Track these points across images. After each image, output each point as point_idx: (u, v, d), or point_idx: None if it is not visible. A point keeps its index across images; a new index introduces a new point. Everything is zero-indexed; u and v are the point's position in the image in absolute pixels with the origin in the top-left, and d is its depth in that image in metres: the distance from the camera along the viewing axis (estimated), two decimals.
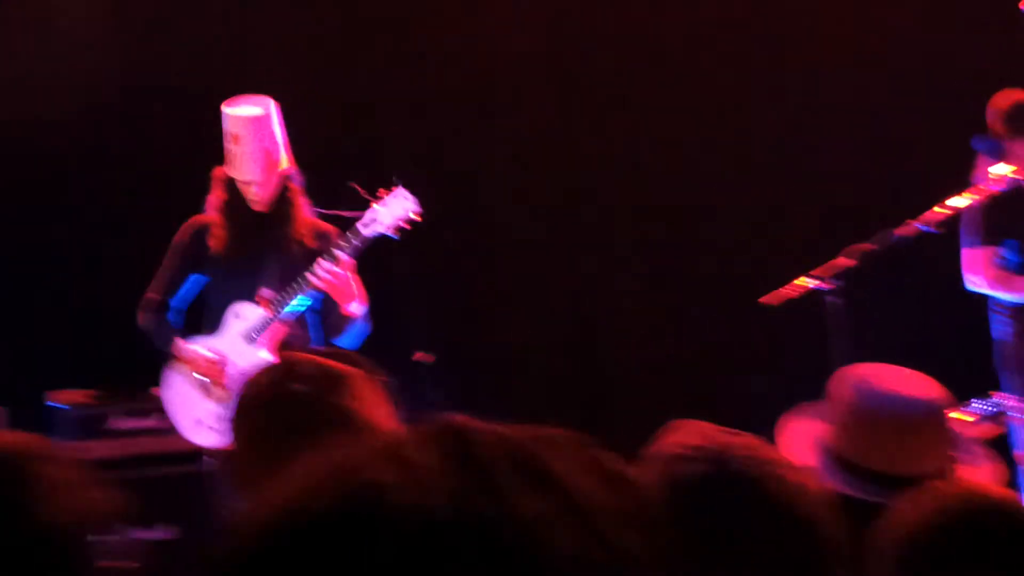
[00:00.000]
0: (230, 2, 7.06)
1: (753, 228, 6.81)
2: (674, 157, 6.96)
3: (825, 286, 5.19)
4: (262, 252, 4.94)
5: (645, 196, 7.00)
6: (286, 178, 4.96)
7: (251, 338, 4.94)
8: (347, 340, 4.96)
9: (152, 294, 5.13)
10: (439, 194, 6.64)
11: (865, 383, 2.60)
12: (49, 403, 6.05)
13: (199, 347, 5.06)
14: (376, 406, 2.04)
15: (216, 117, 5.04)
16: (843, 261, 5.19)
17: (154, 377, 5.76)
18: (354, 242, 4.78)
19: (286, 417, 1.99)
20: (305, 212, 5.00)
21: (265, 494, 0.76)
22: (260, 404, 2.06)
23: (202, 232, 5.03)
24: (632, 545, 0.75)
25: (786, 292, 5.22)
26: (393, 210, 4.81)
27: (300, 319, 4.97)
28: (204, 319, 5.10)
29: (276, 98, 5.09)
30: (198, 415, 5.09)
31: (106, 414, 6.02)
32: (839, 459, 2.54)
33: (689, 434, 1.67)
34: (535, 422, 0.82)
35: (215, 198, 5.01)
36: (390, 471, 0.73)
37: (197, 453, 5.71)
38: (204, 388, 5.07)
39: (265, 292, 4.92)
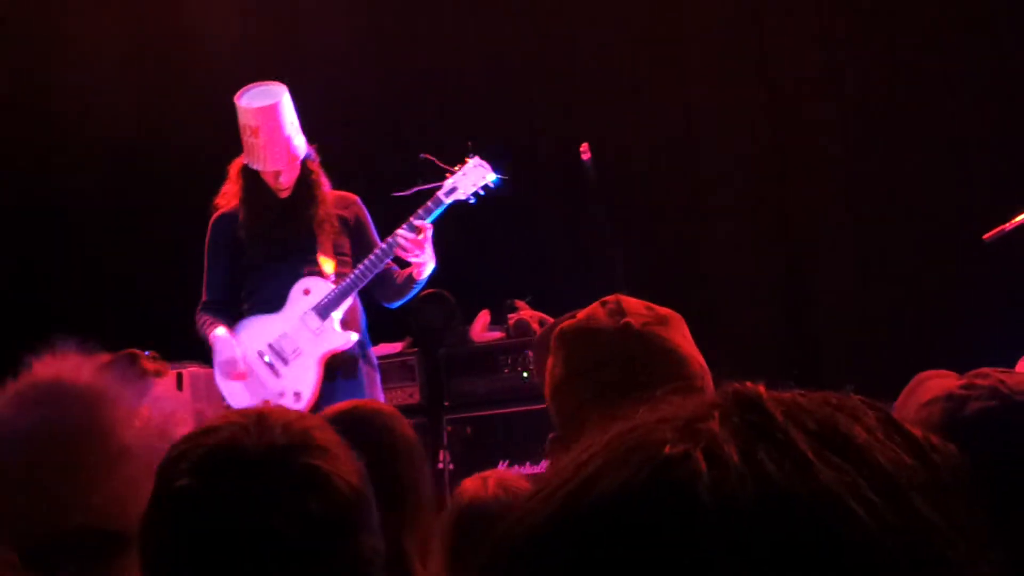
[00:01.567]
0: None
1: (968, 164, 6.57)
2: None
3: None
4: (297, 233, 5.02)
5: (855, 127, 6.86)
6: (305, 159, 5.05)
7: (324, 312, 5.00)
8: (401, 303, 5.15)
9: (207, 298, 5.14)
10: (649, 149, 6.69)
11: None
12: None
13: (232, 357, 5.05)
14: (692, 345, 2.10)
15: None
16: None
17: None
18: (435, 209, 4.93)
19: (622, 349, 2.03)
20: (327, 188, 5.09)
21: (563, 465, 0.76)
22: (592, 336, 2.08)
23: (232, 223, 5.06)
24: (939, 516, 0.72)
25: (1008, 227, 5.00)
26: (472, 178, 5.03)
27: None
28: (252, 303, 5.10)
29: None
30: (265, 396, 5.08)
31: None
32: None
33: (946, 379, 1.61)
34: (743, 376, 0.80)
35: (236, 190, 5.06)
36: (689, 445, 0.71)
37: (411, 409, 5.90)
38: (270, 369, 5.09)
39: (326, 266, 5.00)
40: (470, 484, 2.63)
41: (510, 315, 6.48)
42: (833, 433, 0.73)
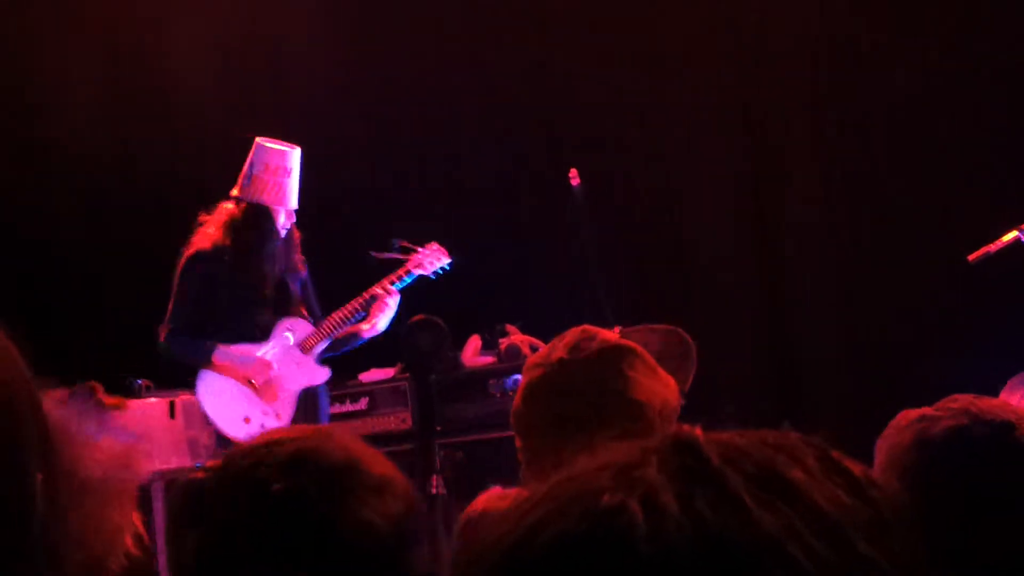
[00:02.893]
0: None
1: (953, 183, 6.58)
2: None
3: None
4: (285, 273, 5.46)
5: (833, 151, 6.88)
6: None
7: (305, 349, 5.45)
8: (333, 355, 5.64)
9: (179, 325, 5.37)
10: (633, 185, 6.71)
11: None
12: None
13: (251, 352, 5.41)
14: (651, 377, 2.18)
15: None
16: None
17: (360, 365, 6.02)
18: (406, 279, 5.54)
19: (576, 378, 2.15)
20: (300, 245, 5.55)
21: (506, 515, 0.76)
22: (535, 370, 2.20)
23: (213, 261, 5.34)
24: (879, 554, 0.71)
25: (992, 248, 5.01)
26: (432, 258, 5.64)
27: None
28: (235, 333, 5.38)
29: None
30: (247, 413, 5.38)
31: None
32: None
33: (924, 408, 1.66)
34: (728, 408, 0.80)
35: (241, 224, 5.35)
36: (626, 494, 0.71)
37: (403, 434, 5.94)
38: (254, 389, 5.41)
39: (304, 309, 5.46)
40: (485, 496, 2.64)
41: (501, 340, 6.49)
42: (771, 475, 0.73)
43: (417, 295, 6.33)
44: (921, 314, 6.49)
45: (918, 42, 6.67)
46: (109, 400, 5.22)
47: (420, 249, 5.69)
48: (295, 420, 5.33)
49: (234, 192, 5.43)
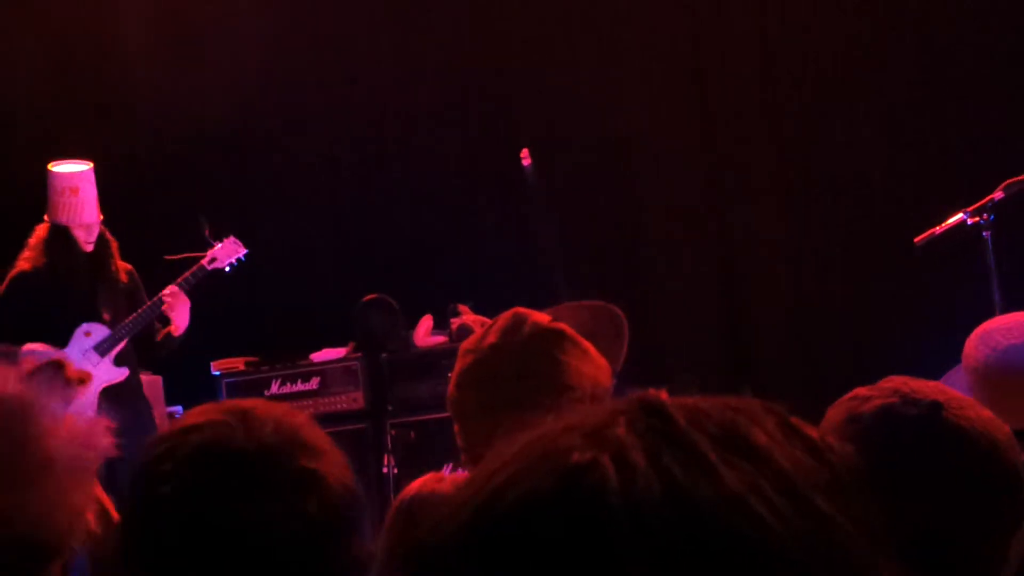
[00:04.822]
0: None
1: (900, 164, 6.66)
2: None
3: (978, 221, 5.02)
4: (94, 283, 5.69)
5: (782, 130, 6.94)
6: (101, 224, 5.75)
7: (102, 351, 5.65)
8: (165, 355, 5.88)
9: None
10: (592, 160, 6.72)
11: (991, 340, 2.53)
12: (212, 371, 6.28)
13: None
14: (582, 360, 2.20)
15: None
16: (998, 195, 5.01)
17: (312, 344, 6.01)
18: (199, 276, 5.74)
19: (507, 363, 2.17)
20: (116, 249, 5.80)
21: (474, 477, 0.77)
22: (483, 353, 2.23)
23: (34, 278, 5.64)
24: (838, 513, 0.74)
25: (938, 231, 5.07)
26: (227, 251, 5.88)
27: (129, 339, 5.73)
28: (40, 339, 5.52)
29: None
30: None
31: (267, 379, 6.27)
32: None
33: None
34: (680, 378, 0.83)
35: (42, 247, 5.64)
36: (596, 452, 0.73)
37: (355, 414, 5.94)
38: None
39: (107, 315, 5.67)
40: (422, 479, 2.64)
41: (453, 320, 6.49)
42: (734, 436, 0.75)
43: (368, 275, 6.32)
44: (874, 293, 6.56)
45: (881, 28, 6.74)
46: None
47: (216, 244, 5.89)
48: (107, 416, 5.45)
49: (45, 216, 5.71)
